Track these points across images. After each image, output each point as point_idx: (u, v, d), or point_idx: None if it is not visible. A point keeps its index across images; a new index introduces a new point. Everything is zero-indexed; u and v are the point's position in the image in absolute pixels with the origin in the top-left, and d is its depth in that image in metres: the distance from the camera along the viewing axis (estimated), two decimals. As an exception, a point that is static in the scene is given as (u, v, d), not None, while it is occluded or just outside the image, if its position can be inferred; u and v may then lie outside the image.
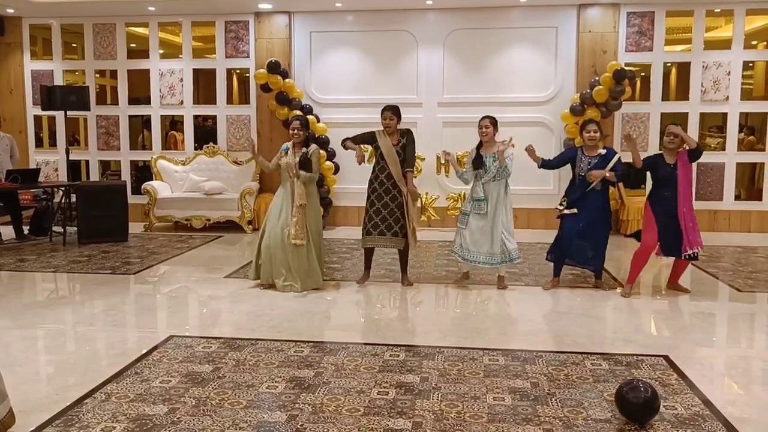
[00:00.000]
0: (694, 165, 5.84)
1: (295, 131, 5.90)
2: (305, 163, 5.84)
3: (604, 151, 5.74)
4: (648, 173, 6.27)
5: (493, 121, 5.84)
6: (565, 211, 5.81)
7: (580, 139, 6.05)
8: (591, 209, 5.75)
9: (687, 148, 5.64)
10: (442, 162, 5.97)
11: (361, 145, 6.01)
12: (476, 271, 6.50)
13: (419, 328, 4.94)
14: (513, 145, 5.85)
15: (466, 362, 4.11)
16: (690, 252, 5.65)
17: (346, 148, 6.09)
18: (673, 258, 5.90)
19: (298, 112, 9.15)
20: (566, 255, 5.98)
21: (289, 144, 5.97)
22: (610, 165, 5.65)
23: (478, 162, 5.83)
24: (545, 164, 5.99)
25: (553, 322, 5.10)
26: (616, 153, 5.77)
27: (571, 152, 5.99)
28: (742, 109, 9.50)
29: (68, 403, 3.46)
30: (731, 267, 7.02)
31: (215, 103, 10.15)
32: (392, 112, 5.85)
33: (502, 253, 5.84)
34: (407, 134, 5.91)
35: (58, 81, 10.26)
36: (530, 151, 5.88)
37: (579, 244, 5.85)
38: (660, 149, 6.01)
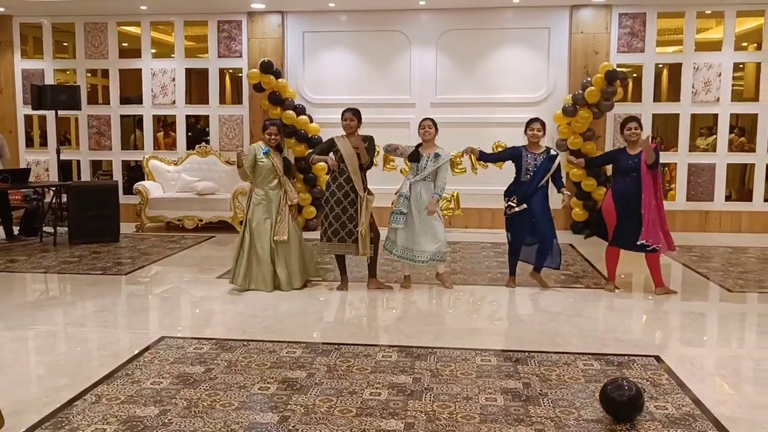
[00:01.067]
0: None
1: (273, 136, 5.92)
2: (289, 168, 6.11)
3: (545, 148, 5.95)
4: (610, 168, 6.24)
5: (434, 123, 5.95)
6: (516, 209, 5.81)
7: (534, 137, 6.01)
8: (538, 205, 5.83)
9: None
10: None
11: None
12: (465, 272, 6.51)
13: (411, 329, 4.94)
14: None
15: (459, 363, 4.11)
16: (644, 241, 5.59)
17: (313, 163, 6.14)
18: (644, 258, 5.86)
19: (291, 113, 9.15)
20: (521, 255, 6.07)
21: (262, 145, 5.95)
22: (553, 170, 5.83)
23: (415, 156, 5.89)
24: (483, 156, 6.11)
25: (546, 323, 5.10)
26: (557, 154, 5.95)
27: (514, 151, 5.99)
28: (733, 110, 9.55)
29: (58, 405, 3.44)
30: (722, 267, 7.05)
31: (208, 103, 10.14)
32: (352, 113, 5.85)
33: (436, 252, 5.88)
34: (369, 140, 5.91)
35: (49, 80, 10.20)
36: (468, 151, 6.12)
37: (534, 242, 5.93)
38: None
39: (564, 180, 6.03)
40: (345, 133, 5.88)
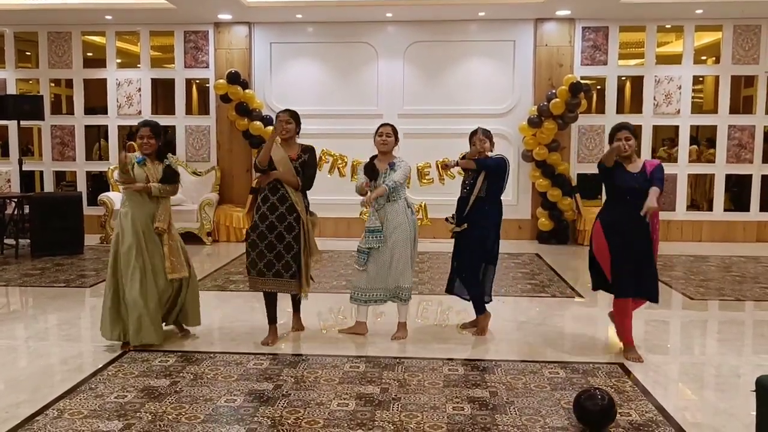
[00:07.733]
0: None
1: (145, 140, 4.66)
2: (171, 176, 4.74)
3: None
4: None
5: (395, 131, 4.98)
6: (457, 229, 5.03)
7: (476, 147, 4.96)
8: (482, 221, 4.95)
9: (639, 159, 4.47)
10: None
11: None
12: (433, 282, 6.53)
13: (379, 339, 4.94)
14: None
15: (426, 372, 4.13)
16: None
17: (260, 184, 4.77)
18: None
19: (259, 123, 9.12)
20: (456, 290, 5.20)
21: (139, 155, 4.73)
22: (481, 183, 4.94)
23: (372, 171, 4.85)
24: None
25: (513, 332, 5.15)
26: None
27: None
28: (693, 122, 9.79)
29: (18, 422, 3.37)
30: (683, 276, 7.20)
31: (174, 114, 10.05)
32: (289, 114, 4.72)
33: (396, 288, 4.83)
34: (310, 151, 4.74)
35: (11, 90, 10.02)
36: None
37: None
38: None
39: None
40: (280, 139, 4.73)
